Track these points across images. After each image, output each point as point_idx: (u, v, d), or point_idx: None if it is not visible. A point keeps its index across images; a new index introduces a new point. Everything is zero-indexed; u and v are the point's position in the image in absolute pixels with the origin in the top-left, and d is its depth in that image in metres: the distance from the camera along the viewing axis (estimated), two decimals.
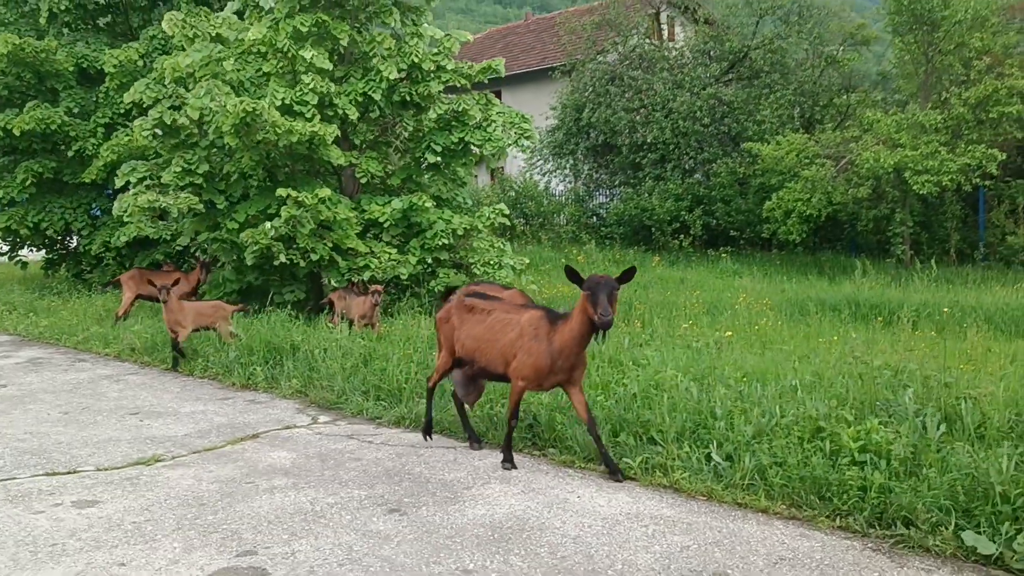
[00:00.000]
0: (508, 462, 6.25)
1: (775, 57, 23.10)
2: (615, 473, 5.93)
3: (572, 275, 5.71)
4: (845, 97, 23.42)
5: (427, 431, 7.04)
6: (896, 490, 4.99)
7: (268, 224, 11.92)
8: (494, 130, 13.20)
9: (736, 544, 4.79)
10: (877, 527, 4.88)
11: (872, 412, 6.01)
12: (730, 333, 10.49)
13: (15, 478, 6.25)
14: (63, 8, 17.45)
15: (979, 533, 4.54)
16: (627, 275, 5.69)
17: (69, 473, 6.38)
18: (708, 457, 5.87)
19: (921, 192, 17.27)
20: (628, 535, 4.94)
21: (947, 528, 4.62)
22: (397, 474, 6.19)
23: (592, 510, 5.36)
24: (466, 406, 7.05)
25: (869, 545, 4.74)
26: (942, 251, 19.66)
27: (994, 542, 4.45)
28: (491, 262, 13.04)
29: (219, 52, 12.49)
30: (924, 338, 10.25)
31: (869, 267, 16.90)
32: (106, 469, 6.48)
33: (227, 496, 5.78)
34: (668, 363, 7.77)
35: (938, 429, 5.50)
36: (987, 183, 18.46)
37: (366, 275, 12.21)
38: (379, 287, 10.83)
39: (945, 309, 12.60)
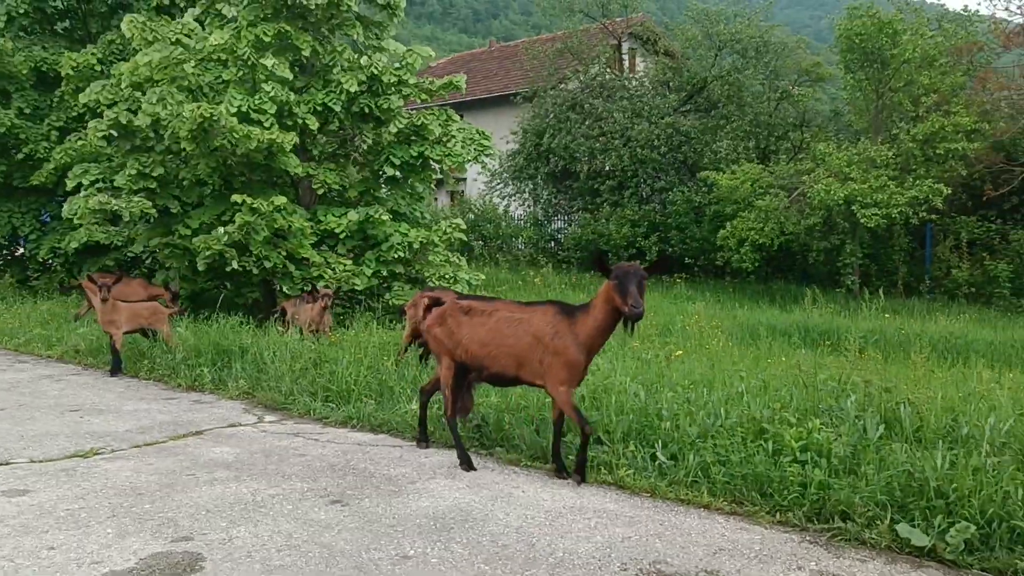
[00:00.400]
0: (580, 475, 5.78)
1: (732, 90, 23.60)
2: (560, 471, 5.89)
3: (599, 263, 5.42)
4: (800, 132, 23.96)
5: (465, 460, 6.16)
6: (835, 486, 5.06)
7: (221, 229, 11.82)
8: (454, 145, 13.27)
9: (677, 536, 4.81)
10: (816, 521, 4.94)
11: (815, 415, 6.10)
12: (680, 352, 10.58)
13: None
14: (22, 11, 17.25)
15: (913, 526, 4.61)
16: (658, 266, 5.64)
17: (1, 465, 6.21)
18: (653, 456, 5.91)
19: (869, 225, 17.68)
20: (571, 526, 4.94)
21: (883, 522, 4.70)
22: (341, 469, 6.13)
23: (536, 503, 5.35)
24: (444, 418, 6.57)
25: (807, 538, 4.80)
26: (890, 283, 20.09)
27: (927, 535, 4.53)
28: (446, 276, 13.04)
29: (179, 54, 12.40)
30: (870, 361, 10.44)
31: (819, 296, 17.20)
32: (41, 461, 6.32)
33: (166, 487, 5.67)
34: (618, 370, 7.81)
35: (877, 430, 5.60)
36: (933, 217, 18.94)
37: (320, 284, 12.13)
38: (329, 291, 10.75)
39: (891, 337, 12.86)
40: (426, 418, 6.80)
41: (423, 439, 6.77)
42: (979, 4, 60.20)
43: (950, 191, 18.39)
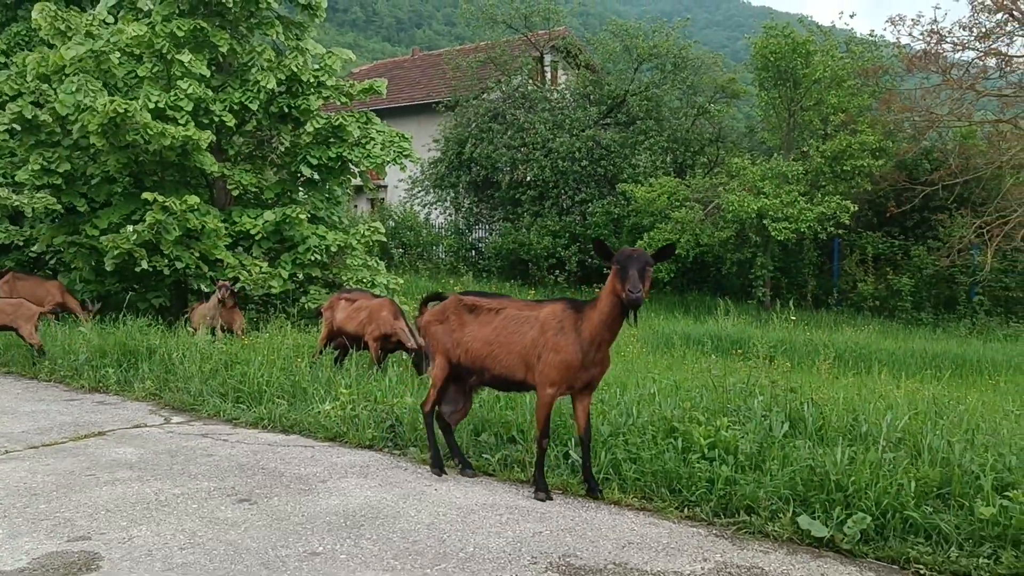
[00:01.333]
0: (542, 491, 5.38)
1: (651, 105, 24.04)
2: (593, 491, 5.41)
3: (601, 249, 5.06)
4: (715, 147, 24.56)
5: (437, 463, 5.91)
6: (741, 482, 5.19)
7: (131, 228, 11.48)
8: (373, 147, 13.18)
9: (587, 531, 4.85)
10: (722, 516, 5.05)
11: (723, 414, 6.24)
12: None
13: None
14: None
15: (814, 518, 4.76)
16: (665, 252, 5.12)
17: None
18: (566, 454, 5.95)
19: (780, 238, 18.21)
20: (482, 522, 4.94)
21: (785, 515, 4.83)
22: (250, 468, 6.00)
23: (448, 501, 5.33)
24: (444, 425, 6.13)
25: (713, 531, 4.90)
26: (800, 295, 20.74)
27: (827, 526, 4.67)
28: (364, 280, 12.92)
29: (103, 46, 11.96)
30: (778, 368, 10.75)
31: (732, 307, 17.64)
32: None
33: (63, 487, 5.46)
34: None
35: (782, 428, 5.76)
36: (840, 232, 19.63)
37: (236, 287, 11.88)
38: (225, 282, 10.53)
39: (799, 346, 13.27)
40: (454, 438, 6.10)
41: (466, 465, 5.96)
42: (884, 29, 62.95)
43: (856, 208, 19.10)
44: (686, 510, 5.18)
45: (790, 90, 20.78)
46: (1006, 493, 4.56)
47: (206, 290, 11.93)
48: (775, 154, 21.64)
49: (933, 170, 20.46)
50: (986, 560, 4.22)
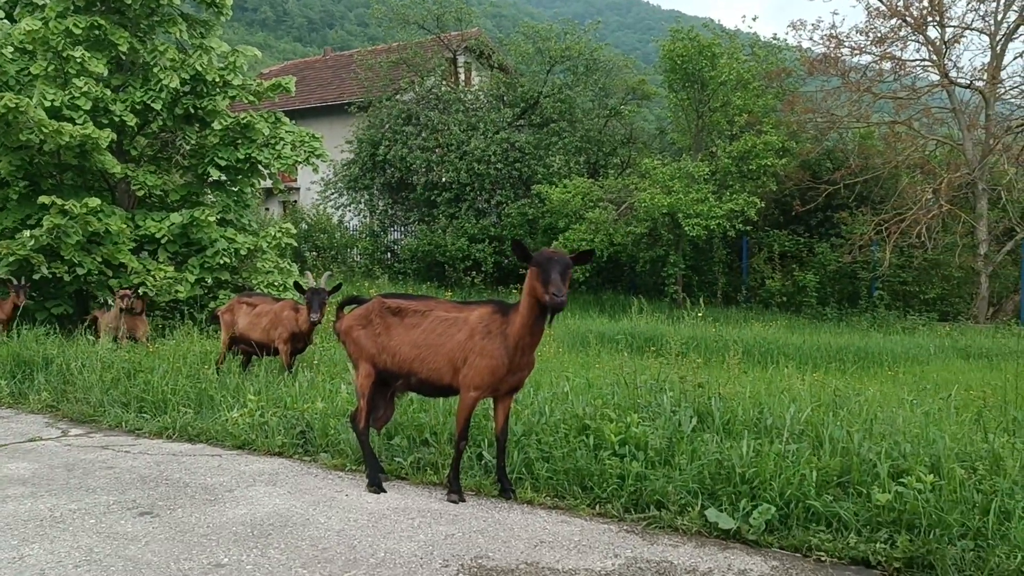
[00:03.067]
0: (455, 493, 5.31)
1: (564, 106, 24.24)
2: (507, 491, 5.40)
3: (519, 250, 4.95)
4: (627, 148, 24.93)
5: (375, 482, 5.58)
6: (651, 477, 5.25)
7: (27, 233, 11.00)
8: (283, 148, 12.92)
9: (499, 531, 4.84)
10: (633, 512, 5.10)
11: (634, 411, 6.31)
12: None
13: None
14: None
15: (721, 511, 4.85)
16: (584, 256, 5.07)
17: None
18: (479, 456, 5.93)
19: (692, 234, 18.59)
20: (393, 527, 4.88)
21: (694, 508, 4.91)
22: (153, 480, 5.80)
23: (359, 506, 5.25)
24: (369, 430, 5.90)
25: (624, 527, 4.94)
26: (711, 293, 21.23)
27: (734, 518, 4.77)
28: (276, 284, 12.66)
29: None
30: (690, 364, 10.96)
31: (645, 305, 17.91)
32: None
33: None
34: None
35: (691, 423, 5.86)
36: (748, 229, 20.16)
37: (140, 291, 11.50)
38: (126, 291, 10.21)
39: (710, 342, 13.56)
40: (370, 446, 5.82)
41: (379, 477, 5.68)
42: (787, 34, 64.92)
43: (763, 205, 19.66)
44: (598, 507, 5.22)
45: (698, 92, 21.27)
46: (901, 479, 4.73)
47: (109, 302, 11.51)
48: (684, 154, 22.11)
49: (835, 169, 21.23)
50: (883, 545, 4.36)
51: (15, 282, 11.22)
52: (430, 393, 5.69)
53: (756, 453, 5.27)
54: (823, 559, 4.40)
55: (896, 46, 21.12)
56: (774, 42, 24.67)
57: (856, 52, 21.52)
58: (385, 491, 5.53)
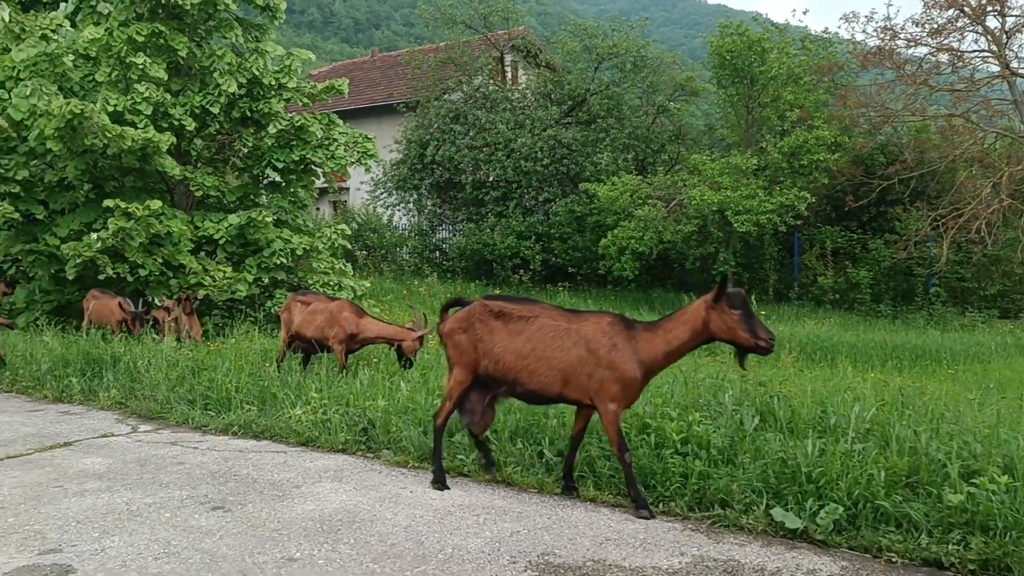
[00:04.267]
0: (644, 508, 5.05)
1: (611, 103, 24.18)
2: (570, 489, 5.37)
3: (722, 286, 4.83)
4: (676, 145, 24.78)
5: (440, 480, 5.60)
6: (714, 476, 5.25)
7: (94, 235, 11.31)
8: (336, 148, 13.10)
9: (564, 529, 4.88)
10: (696, 510, 5.10)
11: (695, 410, 6.30)
12: None
13: None
14: None
15: (787, 510, 4.83)
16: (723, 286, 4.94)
17: None
18: (540, 453, 5.98)
19: (741, 230, 18.43)
20: (459, 523, 4.94)
21: (759, 507, 4.90)
22: (223, 476, 5.94)
23: (424, 503, 5.32)
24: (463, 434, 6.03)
25: (689, 526, 4.95)
26: (762, 290, 21.00)
27: (800, 517, 4.74)
28: (331, 283, 12.84)
29: (56, 48, 11.73)
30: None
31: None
32: None
33: (31, 499, 5.37)
34: None
35: (753, 422, 5.84)
36: (799, 224, 19.93)
37: (200, 293, 11.77)
38: (182, 296, 10.65)
39: None
40: (484, 443, 5.85)
41: (490, 463, 5.82)
42: (839, 27, 63.90)
43: (814, 199, 19.40)
44: (661, 505, 5.23)
45: (747, 87, 21.07)
46: (972, 480, 4.67)
47: (158, 302, 11.80)
48: (733, 151, 21.90)
49: (889, 164, 20.86)
50: (956, 546, 4.31)
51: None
52: (536, 402, 5.54)
53: (821, 452, 5.23)
54: (894, 560, 4.36)
55: (953, 37, 20.69)
56: (825, 36, 24.32)
57: (911, 44, 21.12)
58: (448, 488, 5.54)
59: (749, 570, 4.24)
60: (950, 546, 4.31)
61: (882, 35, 21.20)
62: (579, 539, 4.71)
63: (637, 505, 5.11)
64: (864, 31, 39.89)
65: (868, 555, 4.46)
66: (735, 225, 18.33)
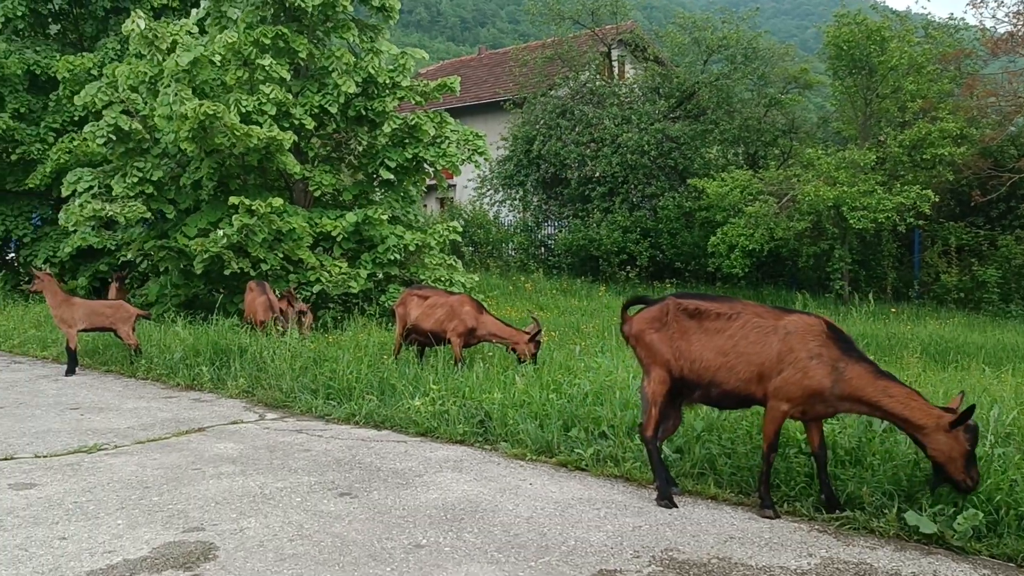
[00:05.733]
0: (769, 508, 4.97)
1: (721, 96, 23.71)
2: (832, 504, 4.93)
3: (968, 414, 4.53)
4: (788, 138, 24.12)
5: (665, 495, 5.20)
6: (842, 477, 5.12)
7: (220, 232, 11.82)
8: (448, 146, 13.31)
9: (687, 525, 4.84)
10: (823, 512, 4.98)
11: None
12: None
13: None
14: (19, 14, 17.07)
15: (920, 515, 4.66)
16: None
17: (5, 460, 6.19)
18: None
19: (858, 227, 17.79)
20: (580, 516, 4.97)
21: (890, 510, 4.74)
22: (347, 463, 6.14)
23: (545, 495, 5.37)
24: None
25: (816, 527, 4.84)
26: (879, 288, 20.21)
27: (935, 522, 4.57)
28: (442, 279, 13.06)
29: (206, 52, 12.28)
30: None
31: (809, 301, 17.30)
32: (45, 456, 6.31)
33: (172, 480, 5.67)
34: (619, 367, 7.84)
35: (882, 423, 5.65)
36: (921, 223, 19.11)
37: (316, 288, 12.16)
38: (289, 290, 11.12)
39: (882, 340, 12.98)
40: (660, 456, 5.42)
41: (669, 482, 5.39)
42: (965, 12, 60.64)
43: (938, 198, 18.55)
44: (785, 505, 5.12)
45: (865, 78, 20.28)
46: None
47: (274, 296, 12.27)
48: (850, 144, 21.16)
49: (1020, 157, 19.74)
50: None
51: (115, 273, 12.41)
52: (729, 406, 5.31)
53: None
54: None
55: None
56: (951, 22, 23.21)
57: None
58: (677, 507, 5.15)
59: (882, 574, 4.12)
60: None
61: (1015, 20, 20.11)
62: (703, 536, 4.67)
63: (763, 504, 5.02)
64: (994, 16, 37.88)
65: (1012, 564, 4.27)
66: (851, 222, 17.69)
